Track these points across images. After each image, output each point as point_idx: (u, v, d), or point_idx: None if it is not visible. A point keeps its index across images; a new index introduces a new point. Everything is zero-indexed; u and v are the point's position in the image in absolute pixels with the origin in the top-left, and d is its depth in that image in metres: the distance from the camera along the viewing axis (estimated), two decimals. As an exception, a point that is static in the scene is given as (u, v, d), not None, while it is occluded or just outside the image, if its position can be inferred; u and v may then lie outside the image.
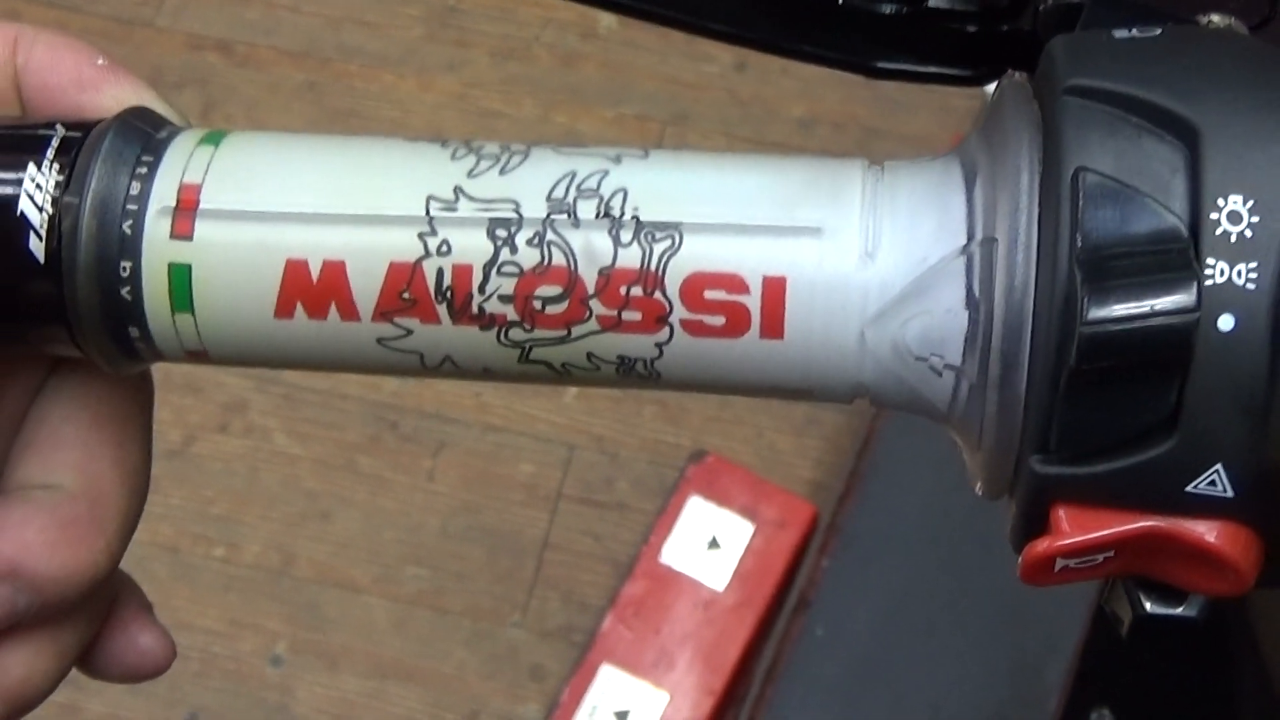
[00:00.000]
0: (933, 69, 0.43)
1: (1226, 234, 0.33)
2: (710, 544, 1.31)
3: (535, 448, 1.43)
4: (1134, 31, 0.35)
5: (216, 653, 1.37)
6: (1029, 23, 0.44)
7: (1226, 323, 0.32)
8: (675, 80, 1.57)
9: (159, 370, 1.32)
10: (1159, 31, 0.35)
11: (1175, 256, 0.33)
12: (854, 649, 1.21)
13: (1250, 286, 0.32)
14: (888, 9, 0.43)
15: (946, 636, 1.20)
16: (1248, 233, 0.33)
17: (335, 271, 0.36)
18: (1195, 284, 0.32)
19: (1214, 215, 0.33)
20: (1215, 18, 0.40)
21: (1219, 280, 0.33)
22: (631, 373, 0.36)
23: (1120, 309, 0.32)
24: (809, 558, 1.28)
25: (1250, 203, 0.33)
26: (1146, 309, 0.32)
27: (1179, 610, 0.36)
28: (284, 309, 0.36)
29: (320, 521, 1.41)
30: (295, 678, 1.36)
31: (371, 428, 1.44)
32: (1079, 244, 0.33)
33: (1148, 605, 0.36)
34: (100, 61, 0.39)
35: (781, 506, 1.32)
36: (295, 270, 0.36)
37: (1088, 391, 0.33)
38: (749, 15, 0.47)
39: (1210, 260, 0.33)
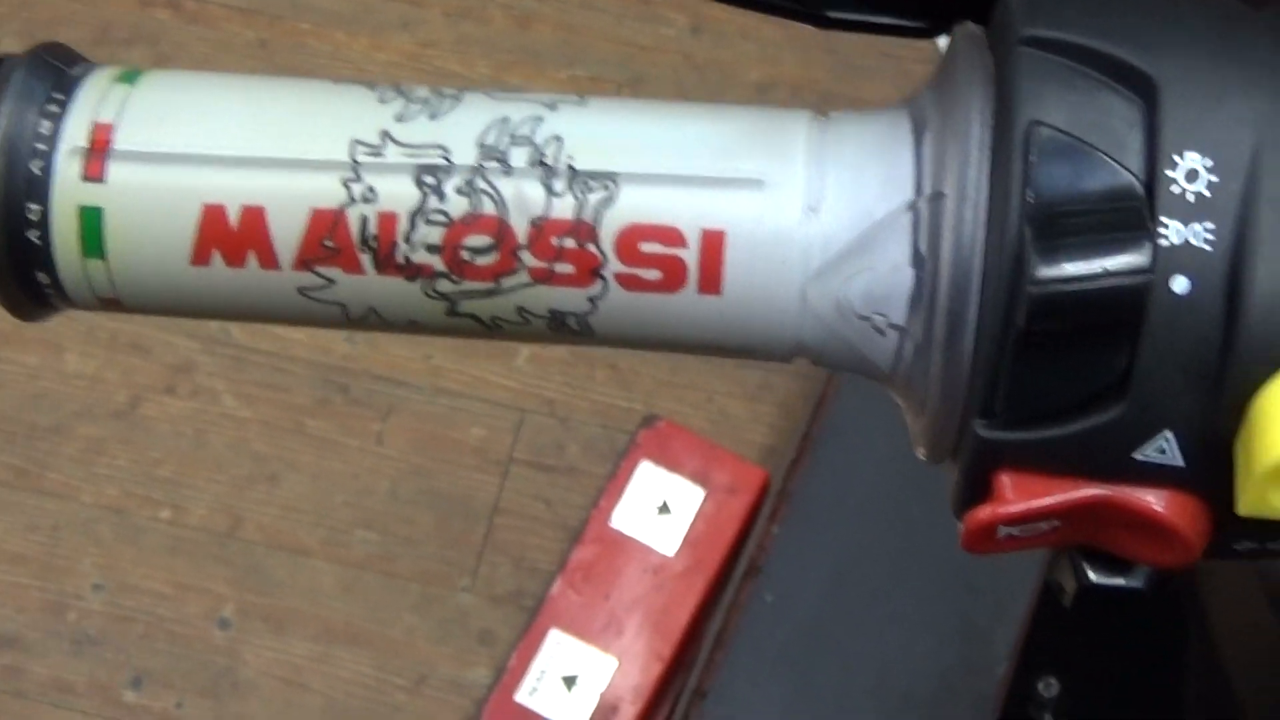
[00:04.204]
0: (886, 19, 0.41)
1: (1183, 193, 0.32)
2: (661, 509, 1.31)
3: (486, 411, 1.42)
4: None
5: (162, 615, 1.36)
6: (984, -26, 0.43)
7: (1180, 285, 0.32)
8: (630, 43, 1.55)
9: (105, 330, 1.31)
10: None
11: (1129, 215, 0.32)
12: (803, 615, 1.20)
13: (1206, 248, 0.32)
14: (840, -43, 0.42)
15: (896, 603, 1.19)
16: (1205, 192, 0.32)
17: (254, 217, 0.35)
18: (1149, 244, 0.31)
19: (1170, 173, 0.32)
20: (1177, -32, 0.39)
21: (1174, 241, 0.32)
22: (563, 328, 0.35)
23: (1071, 269, 0.31)
24: (759, 524, 1.27)
25: (1208, 161, 0.32)
26: (1098, 269, 0.31)
27: (1124, 581, 0.35)
28: (200, 256, 0.35)
29: (268, 484, 1.40)
30: (242, 641, 1.35)
31: (320, 390, 1.42)
32: (1030, 200, 0.32)
33: (1092, 575, 0.35)
34: None
35: (732, 472, 1.31)
36: (213, 215, 0.35)
37: (1035, 354, 0.32)
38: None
39: (1165, 220, 0.32)
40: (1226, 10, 0.34)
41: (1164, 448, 0.32)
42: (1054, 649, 0.86)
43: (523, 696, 1.25)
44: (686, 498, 1.31)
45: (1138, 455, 0.32)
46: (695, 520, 1.30)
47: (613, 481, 1.32)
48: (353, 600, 1.36)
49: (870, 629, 1.19)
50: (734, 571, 1.27)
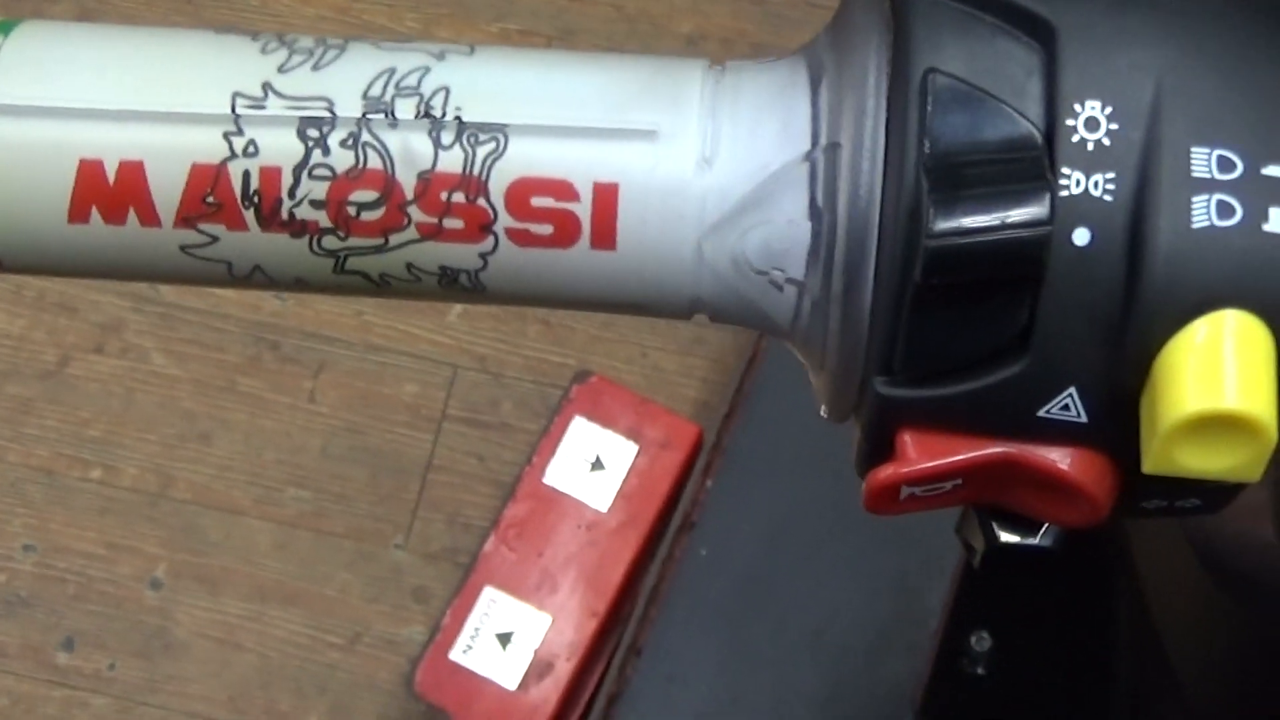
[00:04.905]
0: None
1: (1083, 142, 0.31)
2: (594, 465, 1.30)
3: (418, 367, 1.41)
4: None
5: (94, 576, 1.34)
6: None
7: (1081, 237, 0.31)
8: (562, -6, 1.54)
9: (32, 288, 1.29)
10: None
11: (1028, 165, 0.31)
12: (738, 569, 1.20)
13: (1107, 198, 0.31)
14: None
15: (830, 557, 1.19)
16: (1105, 141, 0.31)
17: (133, 173, 0.34)
18: (1049, 195, 0.31)
19: (1070, 121, 0.31)
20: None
21: (1074, 191, 0.31)
22: (455, 285, 0.34)
23: (969, 221, 0.30)
24: (693, 479, 1.26)
25: (1109, 109, 0.31)
26: (996, 221, 0.30)
27: (1034, 540, 0.34)
28: (78, 213, 0.34)
29: (199, 443, 1.38)
30: (175, 601, 1.34)
31: (251, 348, 1.41)
32: (927, 151, 0.31)
33: (1001, 535, 0.34)
34: None
35: (666, 427, 1.31)
36: (90, 171, 0.34)
37: (934, 309, 0.31)
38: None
39: (1065, 170, 0.31)
40: None
41: (1068, 404, 0.32)
42: (985, 604, 0.86)
43: (457, 654, 1.24)
44: (620, 453, 1.30)
45: (1042, 412, 0.32)
46: (628, 476, 1.29)
47: (545, 437, 1.31)
48: (286, 559, 1.35)
49: (805, 582, 1.19)
50: (668, 527, 1.26)
